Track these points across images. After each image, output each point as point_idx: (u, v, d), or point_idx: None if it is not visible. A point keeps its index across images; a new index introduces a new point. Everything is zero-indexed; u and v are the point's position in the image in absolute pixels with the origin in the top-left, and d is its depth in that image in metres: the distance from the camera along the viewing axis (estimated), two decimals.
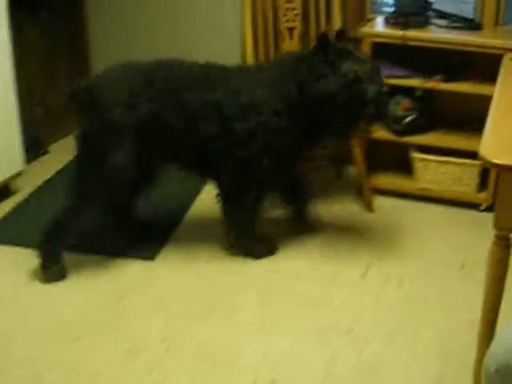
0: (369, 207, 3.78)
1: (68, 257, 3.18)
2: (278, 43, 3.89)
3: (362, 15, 4.10)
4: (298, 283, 3.14)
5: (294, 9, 3.86)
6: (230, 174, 3.18)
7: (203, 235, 3.49)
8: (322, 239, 3.50)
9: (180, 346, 2.72)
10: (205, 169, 3.28)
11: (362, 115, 3.05)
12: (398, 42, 3.60)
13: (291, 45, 3.88)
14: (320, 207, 3.70)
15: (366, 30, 3.69)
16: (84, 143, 3.07)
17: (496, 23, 3.88)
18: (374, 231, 3.58)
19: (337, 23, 3.80)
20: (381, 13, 4.06)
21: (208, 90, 3.07)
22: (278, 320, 2.88)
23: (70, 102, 3.11)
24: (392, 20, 3.70)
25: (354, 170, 3.90)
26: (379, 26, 3.76)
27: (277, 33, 3.88)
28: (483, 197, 3.71)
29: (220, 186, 3.28)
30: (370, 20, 3.96)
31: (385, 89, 3.07)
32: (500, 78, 2.73)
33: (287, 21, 3.86)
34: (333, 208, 3.77)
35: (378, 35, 3.66)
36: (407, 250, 3.42)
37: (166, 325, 2.84)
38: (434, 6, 3.95)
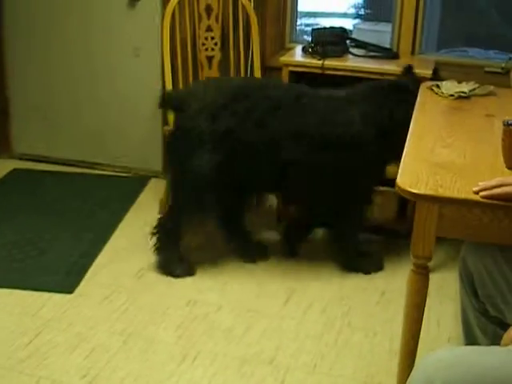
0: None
1: None
2: (197, 72, 3.88)
3: (280, 44, 4.13)
4: (218, 314, 3.11)
5: (213, 38, 3.87)
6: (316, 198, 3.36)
7: (121, 267, 3.44)
8: (241, 268, 3.49)
9: (101, 382, 2.64)
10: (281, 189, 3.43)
11: None
12: (317, 71, 3.63)
13: (210, 73, 3.89)
14: None
15: (285, 59, 3.72)
16: (171, 146, 3.33)
17: (413, 52, 3.98)
18: (295, 258, 3.57)
19: (256, 52, 3.82)
20: (300, 42, 4.10)
21: (298, 116, 3.17)
22: (199, 351, 2.84)
23: (161, 106, 3.42)
24: (310, 49, 3.74)
25: (273, 199, 3.90)
26: (298, 55, 3.80)
27: (196, 61, 3.88)
28: (403, 224, 3.74)
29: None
30: (288, 49, 4.00)
31: None
32: (417, 106, 2.78)
33: (206, 50, 3.87)
34: (253, 236, 3.74)
35: (298, 64, 3.69)
36: (329, 277, 3.43)
37: (86, 359, 2.76)
38: (352, 36, 4.01)
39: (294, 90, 3.28)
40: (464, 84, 3.04)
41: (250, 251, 3.58)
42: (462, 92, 2.94)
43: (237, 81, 3.39)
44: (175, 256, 3.39)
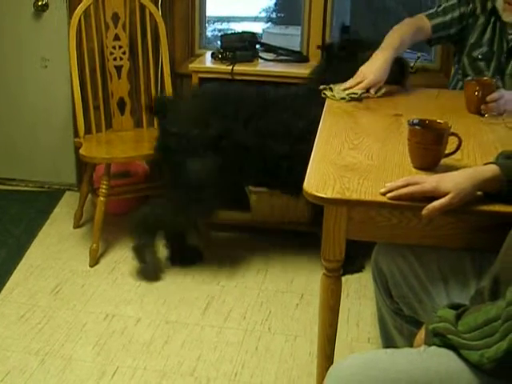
0: (207, 241, 3.75)
1: None
2: (105, 81, 3.82)
3: (190, 51, 4.11)
4: (136, 327, 3.06)
5: (121, 47, 3.81)
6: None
7: (36, 285, 3.36)
8: (158, 278, 3.45)
9: None
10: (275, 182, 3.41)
11: None
12: (227, 76, 3.62)
13: (120, 84, 3.82)
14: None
15: (194, 65, 3.69)
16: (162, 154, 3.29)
17: (322, 56, 3.98)
18: (212, 265, 3.55)
19: (165, 60, 3.78)
20: (210, 48, 4.08)
21: (277, 112, 3.20)
22: (118, 367, 2.79)
23: (154, 113, 3.49)
24: (220, 55, 3.73)
25: None
26: (208, 61, 3.78)
27: (104, 71, 3.82)
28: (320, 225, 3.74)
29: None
30: (198, 56, 3.98)
31: None
32: (325, 108, 2.77)
33: (115, 59, 3.80)
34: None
35: (207, 71, 3.68)
36: (248, 282, 3.42)
37: (2, 383, 2.68)
38: (262, 40, 4.01)
39: (267, 89, 3.33)
40: None
41: (187, 255, 3.58)
42: (354, 93, 2.88)
43: (218, 86, 3.40)
44: (151, 248, 3.37)
